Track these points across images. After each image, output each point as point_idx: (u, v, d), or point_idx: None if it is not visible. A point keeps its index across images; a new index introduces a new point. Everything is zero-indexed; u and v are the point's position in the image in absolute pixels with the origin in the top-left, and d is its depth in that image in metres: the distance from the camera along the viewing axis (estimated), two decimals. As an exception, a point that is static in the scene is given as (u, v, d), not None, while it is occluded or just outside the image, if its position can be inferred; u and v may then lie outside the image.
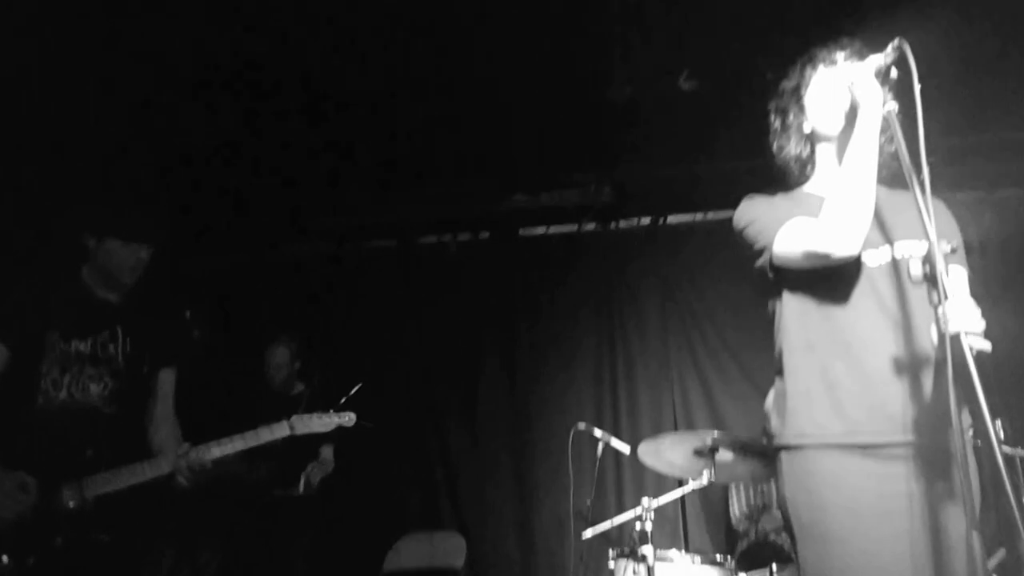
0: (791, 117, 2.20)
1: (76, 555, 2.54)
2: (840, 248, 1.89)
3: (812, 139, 2.19)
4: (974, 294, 1.95)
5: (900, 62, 1.89)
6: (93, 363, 2.71)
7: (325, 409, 3.16)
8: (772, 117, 2.26)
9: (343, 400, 3.44)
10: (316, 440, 4.61)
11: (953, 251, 1.81)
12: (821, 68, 2.15)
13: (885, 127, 1.95)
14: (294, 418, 2.98)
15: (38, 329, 2.65)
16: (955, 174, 4.69)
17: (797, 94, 2.19)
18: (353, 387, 3.43)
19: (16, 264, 2.98)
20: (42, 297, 2.72)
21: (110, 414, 2.72)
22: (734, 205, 2.28)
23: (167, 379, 2.96)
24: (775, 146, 2.26)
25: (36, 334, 2.65)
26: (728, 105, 4.17)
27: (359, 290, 5.62)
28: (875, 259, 2.01)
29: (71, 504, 2.55)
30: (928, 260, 1.71)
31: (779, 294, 2.12)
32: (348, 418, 3.13)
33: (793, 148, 2.20)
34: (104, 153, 4.19)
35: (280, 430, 2.93)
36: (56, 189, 4.01)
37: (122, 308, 2.84)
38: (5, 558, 2.44)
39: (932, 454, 1.90)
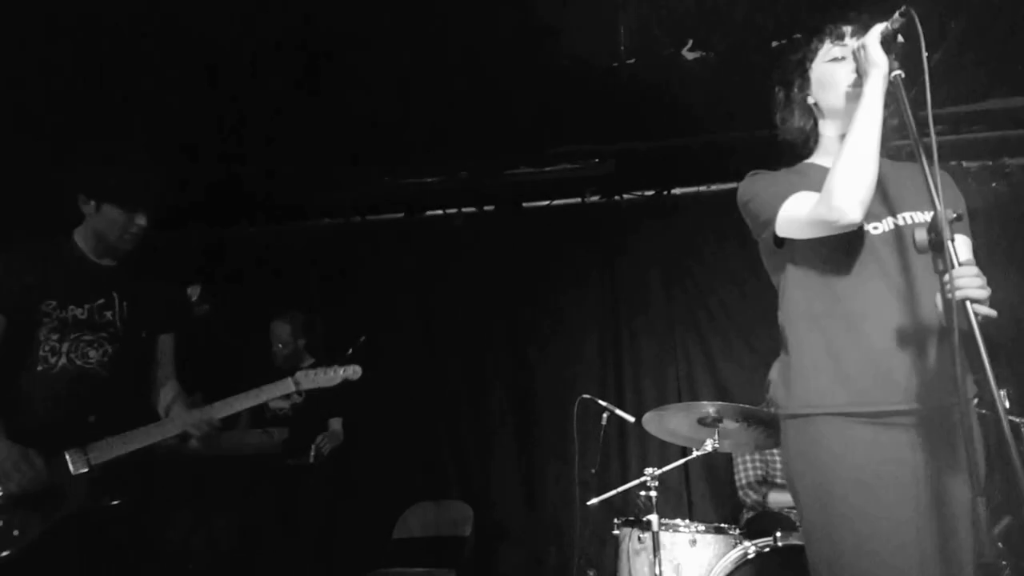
0: (795, 90, 2.20)
1: (86, 523, 2.55)
2: (843, 214, 1.89)
3: (816, 112, 2.19)
4: (979, 263, 1.96)
5: (907, 28, 1.87)
6: (91, 329, 2.69)
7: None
8: (776, 90, 2.26)
9: (349, 352, 3.43)
10: (325, 412, 4.71)
11: (959, 218, 1.80)
12: (827, 42, 2.14)
13: (891, 96, 1.94)
14: (298, 374, 2.96)
15: (34, 296, 2.63)
16: (961, 142, 4.69)
17: (802, 67, 2.19)
18: (358, 340, 3.38)
19: (9, 228, 2.91)
20: (38, 264, 2.69)
21: (109, 378, 2.70)
22: (737, 176, 2.29)
23: (167, 343, 2.95)
24: (779, 118, 2.26)
25: (33, 301, 2.63)
26: (732, 75, 4.16)
27: (365, 263, 5.64)
28: (878, 229, 2.02)
29: (77, 471, 2.55)
30: (933, 228, 1.70)
31: (784, 267, 2.14)
32: (353, 371, 3.06)
33: (797, 121, 2.21)
34: (102, 117, 4.18)
35: (285, 386, 2.90)
36: (52, 149, 3.99)
37: (117, 273, 2.81)
38: (16, 532, 2.45)
39: (937, 422, 1.92)
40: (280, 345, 4.86)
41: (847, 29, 2.12)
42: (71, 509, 2.52)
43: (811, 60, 2.17)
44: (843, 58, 2.08)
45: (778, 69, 2.26)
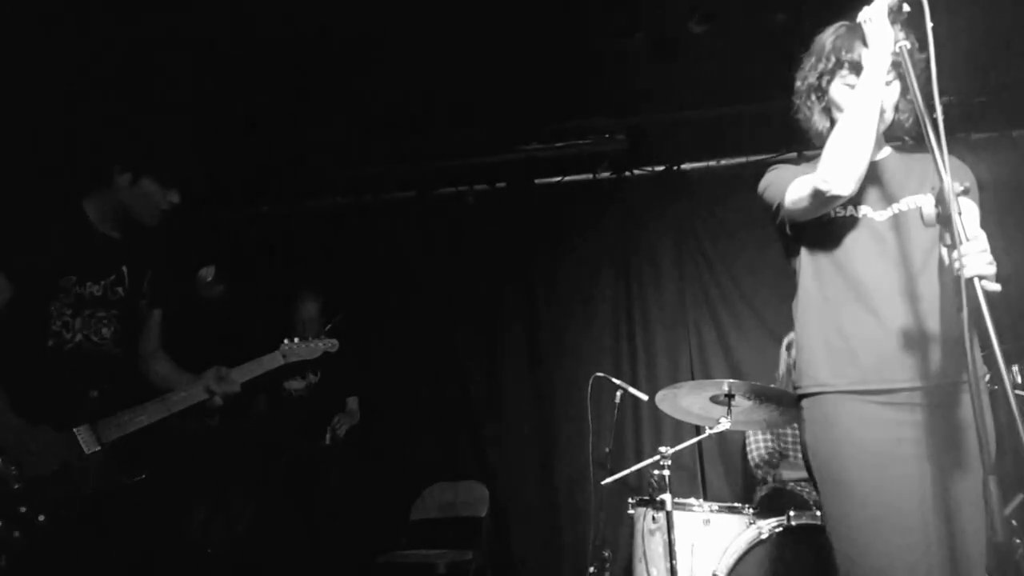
0: (815, 102, 2.21)
1: (104, 503, 2.54)
2: (833, 184, 1.96)
3: (834, 112, 2.19)
4: (987, 233, 1.95)
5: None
6: (104, 306, 2.67)
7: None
8: (796, 98, 2.26)
9: (328, 327, 3.51)
10: (342, 391, 4.75)
11: (965, 191, 1.80)
12: (847, 72, 2.11)
13: (897, 66, 1.99)
14: (283, 346, 3.01)
15: (49, 268, 2.57)
16: (970, 113, 4.60)
17: (819, 89, 2.19)
18: (337, 317, 3.51)
19: (25, 193, 2.84)
20: (54, 234, 2.61)
21: (117, 355, 2.70)
22: (749, 152, 2.34)
23: (156, 317, 2.94)
24: (800, 116, 2.27)
25: (47, 273, 2.57)
26: (743, 50, 4.11)
27: (378, 242, 5.63)
28: (883, 216, 2.10)
29: (90, 450, 2.52)
30: (940, 200, 1.69)
31: (796, 251, 2.23)
32: (331, 344, 3.15)
33: (816, 122, 2.22)
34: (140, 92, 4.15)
35: (274, 360, 2.95)
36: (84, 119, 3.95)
37: (125, 247, 2.77)
38: (41, 517, 2.42)
39: (946, 400, 1.97)
40: (306, 323, 4.82)
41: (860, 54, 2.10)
42: (87, 490, 2.50)
43: (829, 82, 2.17)
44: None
45: (795, 91, 2.27)
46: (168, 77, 4.11)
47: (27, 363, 2.53)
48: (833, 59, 2.14)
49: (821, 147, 2.19)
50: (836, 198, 1.99)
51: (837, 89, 2.15)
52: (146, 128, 2.79)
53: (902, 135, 2.19)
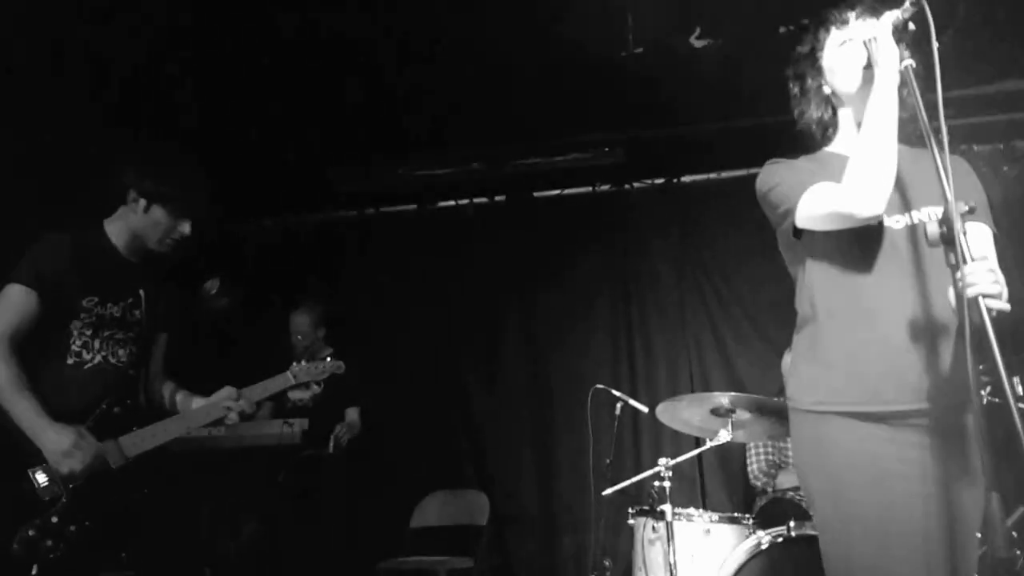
0: (809, 81, 2.17)
1: (125, 514, 2.63)
2: (864, 209, 1.87)
3: (832, 101, 2.16)
4: (999, 250, 1.95)
5: (918, 17, 1.84)
6: (123, 328, 2.73)
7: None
8: (791, 84, 2.23)
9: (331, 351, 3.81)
10: (344, 402, 4.80)
11: (971, 211, 1.78)
12: (834, 30, 2.12)
13: (903, 84, 1.91)
14: (293, 367, 3.13)
15: (74, 288, 2.65)
16: (972, 126, 4.64)
17: (812, 57, 2.16)
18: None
19: (50, 215, 2.93)
20: (80, 256, 2.70)
21: (133, 376, 2.78)
22: (748, 164, 2.30)
23: (163, 341, 3.00)
24: (796, 112, 2.23)
25: (71, 293, 2.65)
26: (740, 62, 4.14)
27: (379, 254, 5.67)
28: (899, 224, 2.00)
29: (116, 464, 2.60)
30: (945, 221, 1.68)
31: (802, 260, 2.12)
32: (338, 366, 3.34)
33: (814, 112, 2.17)
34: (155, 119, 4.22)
35: (283, 380, 3.06)
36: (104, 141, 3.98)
37: (142, 271, 2.85)
38: (72, 527, 2.51)
39: (949, 421, 1.91)
40: (299, 336, 4.91)
41: (851, 14, 2.10)
42: (111, 503, 2.58)
43: (820, 49, 2.14)
44: (851, 41, 2.06)
45: (790, 63, 2.23)
46: (175, 89, 4.16)
47: (49, 379, 2.60)
48: (820, 27, 2.13)
49: (823, 138, 2.18)
50: (865, 220, 1.89)
51: (830, 54, 2.10)
52: (163, 156, 2.83)
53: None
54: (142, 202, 2.76)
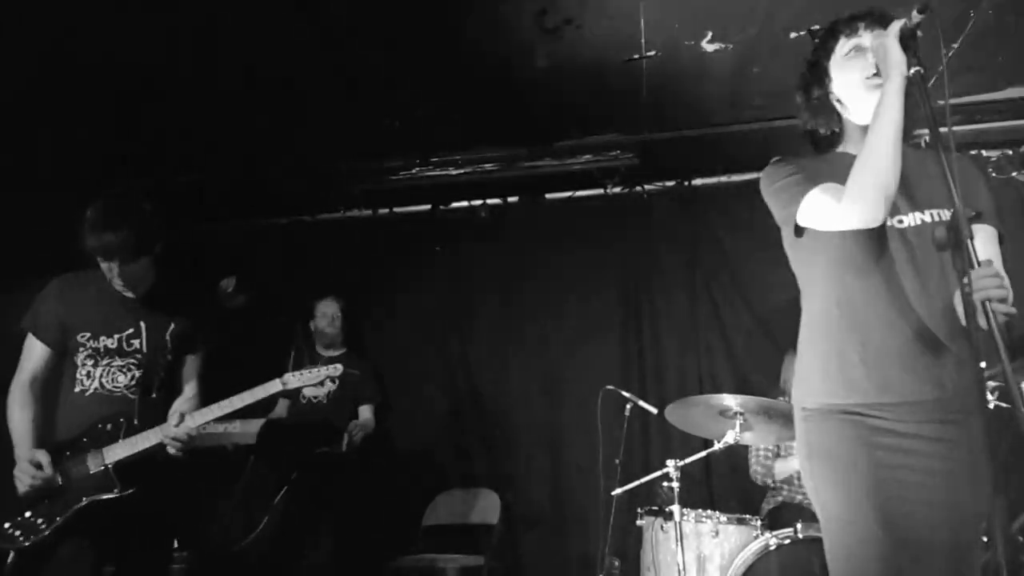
0: (816, 90, 2.18)
1: (99, 511, 2.84)
2: (865, 216, 1.90)
3: (840, 108, 2.17)
4: (1006, 254, 1.95)
5: (926, 25, 1.87)
6: (120, 356, 2.97)
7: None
8: (798, 94, 2.25)
9: None
10: (358, 400, 4.86)
11: (978, 215, 1.80)
12: (843, 38, 2.14)
13: (910, 91, 1.91)
14: (285, 375, 3.16)
15: (71, 328, 2.97)
16: (980, 132, 4.64)
17: (820, 67, 2.18)
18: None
19: (49, 270, 3.16)
20: (73, 298, 3.01)
21: (135, 399, 2.98)
22: (759, 167, 2.29)
23: (192, 364, 3.19)
24: (802, 120, 2.25)
25: (70, 332, 2.97)
26: (751, 66, 4.16)
27: (392, 255, 5.72)
28: (903, 223, 2.01)
29: (95, 469, 2.87)
30: (952, 226, 1.70)
31: (806, 259, 2.14)
32: (334, 368, 3.30)
33: (822, 121, 2.19)
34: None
35: (272, 387, 3.12)
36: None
37: (142, 304, 3.04)
38: (40, 521, 2.79)
39: (954, 422, 1.92)
40: (329, 321, 5.02)
41: (860, 23, 2.12)
42: (81, 503, 2.82)
43: (828, 58, 2.16)
44: (858, 49, 2.08)
45: (799, 73, 2.25)
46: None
47: (64, 405, 2.97)
48: (829, 35, 2.14)
49: (829, 143, 2.20)
50: (867, 225, 1.92)
51: (838, 63, 2.12)
52: (87, 211, 2.90)
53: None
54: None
